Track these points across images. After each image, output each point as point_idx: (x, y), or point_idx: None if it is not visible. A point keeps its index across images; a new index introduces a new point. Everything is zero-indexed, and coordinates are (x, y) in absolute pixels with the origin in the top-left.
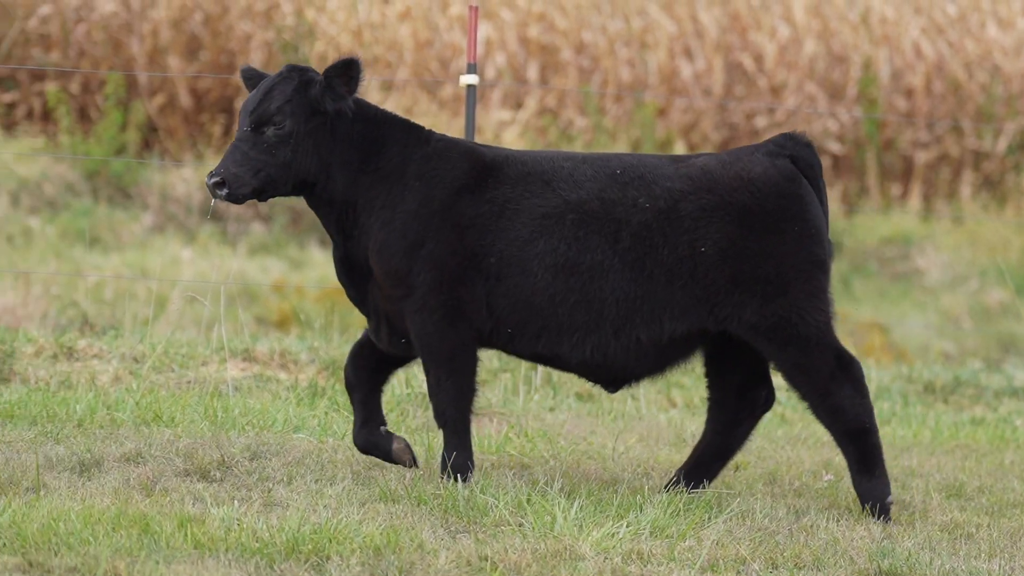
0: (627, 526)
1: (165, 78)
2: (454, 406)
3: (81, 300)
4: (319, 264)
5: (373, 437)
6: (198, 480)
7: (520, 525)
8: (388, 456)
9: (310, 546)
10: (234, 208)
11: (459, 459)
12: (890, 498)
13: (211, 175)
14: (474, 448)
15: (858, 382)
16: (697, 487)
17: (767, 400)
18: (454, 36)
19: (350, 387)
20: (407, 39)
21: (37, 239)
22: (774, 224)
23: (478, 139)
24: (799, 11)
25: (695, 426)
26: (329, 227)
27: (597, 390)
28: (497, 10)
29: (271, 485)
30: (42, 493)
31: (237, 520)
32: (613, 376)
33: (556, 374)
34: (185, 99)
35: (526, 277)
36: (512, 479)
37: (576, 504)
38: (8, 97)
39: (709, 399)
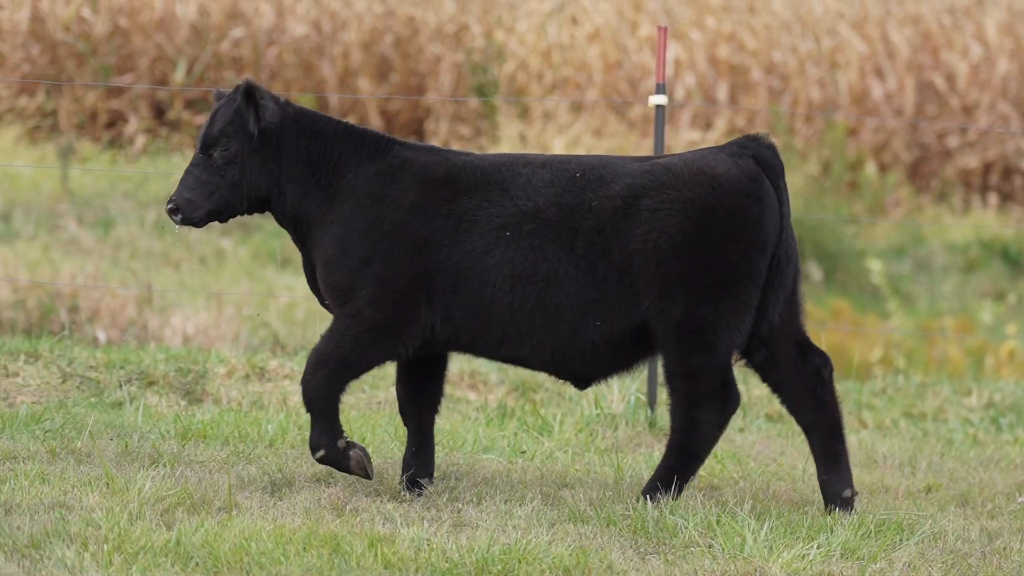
0: (817, 548)
1: (356, 100)
2: (324, 396)
3: (273, 321)
4: None
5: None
6: (388, 500)
7: (709, 547)
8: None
9: (499, 566)
10: None
11: (322, 438)
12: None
13: (168, 201)
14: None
15: (724, 417)
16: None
17: (824, 361)
18: (643, 57)
19: (405, 416)
20: (596, 60)
21: (229, 260)
22: (732, 224)
23: None
24: (992, 30)
25: (886, 447)
26: (294, 241)
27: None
28: (686, 31)
29: (460, 505)
30: (234, 513)
31: (427, 540)
32: (575, 374)
33: (744, 395)
34: (375, 121)
35: (483, 288)
36: (701, 500)
37: (766, 525)
38: (201, 119)
39: (779, 398)
